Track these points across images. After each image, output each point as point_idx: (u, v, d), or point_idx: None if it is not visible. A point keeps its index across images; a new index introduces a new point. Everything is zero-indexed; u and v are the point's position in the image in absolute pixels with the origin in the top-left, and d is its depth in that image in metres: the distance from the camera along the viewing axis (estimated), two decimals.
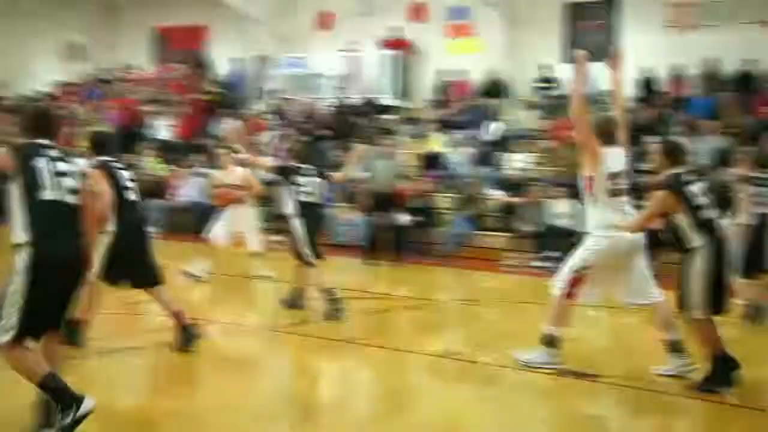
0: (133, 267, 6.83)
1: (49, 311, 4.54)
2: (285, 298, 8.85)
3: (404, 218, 13.24)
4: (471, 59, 17.62)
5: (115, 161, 6.94)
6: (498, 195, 14.11)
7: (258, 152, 11.27)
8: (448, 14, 18.14)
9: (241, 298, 10.07)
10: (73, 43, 23.69)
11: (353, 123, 17.15)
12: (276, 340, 7.86)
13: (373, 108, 17.75)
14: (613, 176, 6.28)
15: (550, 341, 6.44)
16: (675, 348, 6.33)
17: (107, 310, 7.20)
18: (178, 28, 21.92)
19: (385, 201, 13.05)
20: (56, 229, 4.51)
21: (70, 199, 4.61)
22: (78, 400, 4.43)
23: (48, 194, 4.51)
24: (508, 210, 13.62)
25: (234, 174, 10.68)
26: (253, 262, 10.84)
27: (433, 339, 8.07)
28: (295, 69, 19.40)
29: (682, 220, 5.95)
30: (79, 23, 23.16)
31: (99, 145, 6.96)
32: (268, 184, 11.63)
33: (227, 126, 16.83)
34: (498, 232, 13.52)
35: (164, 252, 9.18)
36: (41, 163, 4.54)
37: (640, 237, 6.34)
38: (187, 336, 6.88)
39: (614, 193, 6.28)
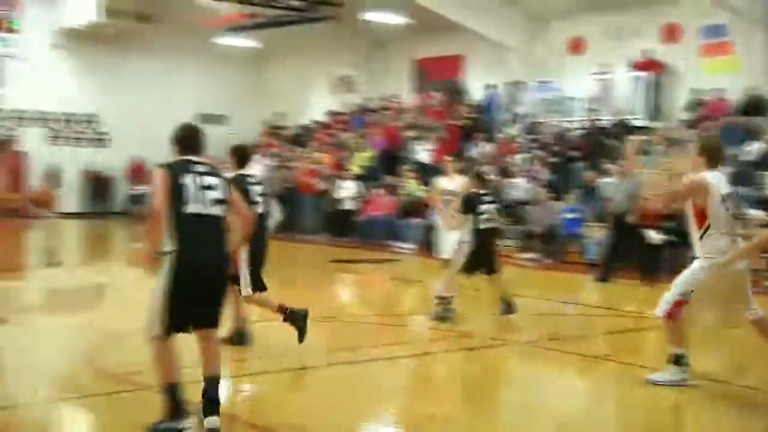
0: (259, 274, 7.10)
1: (189, 311, 4.75)
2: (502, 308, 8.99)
3: (656, 237, 12.65)
4: (728, 77, 16.55)
5: (250, 176, 7.14)
6: (758, 215, 13.12)
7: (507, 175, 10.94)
8: (703, 33, 17.16)
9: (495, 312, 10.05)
10: (344, 76, 25.08)
11: (605, 144, 16.69)
12: (533, 355, 7.78)
13: (625, 129, 17.17)
14: (724, 199, 6.01)
15: (676, 360, 6.25)
16: None
17: (367, 318, 7.48)
18: (436, 58, 22.49)
19: (630, 221, 12.53)
20: (198, 238, 4.73)
21: (215, 210, 4.82)
22: (181, 416, 4.66)
23: (192, 207, 4.73)
24: None
25: (454, 182, 10.41)
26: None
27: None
28: (546, 93, 19.23)
29: None
30: (349, 58, 24.48)
31: (240, 158, 7.16)
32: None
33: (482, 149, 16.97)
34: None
35: (420, 269, 9.44)
36: (188, 180, 4.76)
37: (746, 265, 6.06)
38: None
39: (726, 218, 6.01)
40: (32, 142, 24.46)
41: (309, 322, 6.96)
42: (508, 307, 9.01)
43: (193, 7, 21.56)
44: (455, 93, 21.20)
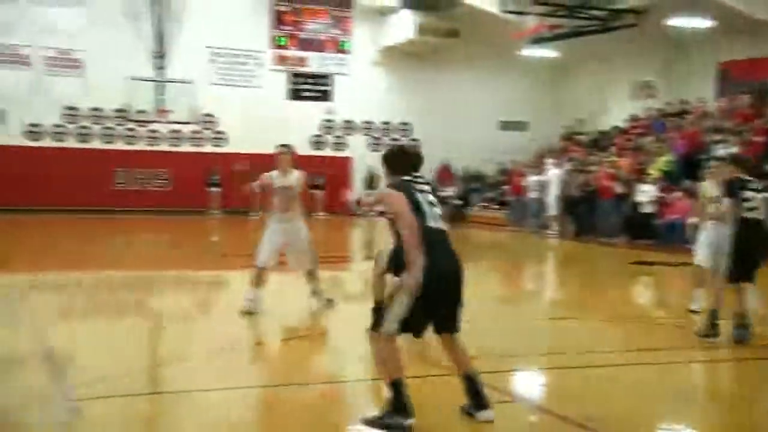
0: None
1: (431, 317, 4.74)
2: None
3: None
4: None
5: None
6: None
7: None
8: None
9: None
10: (644, 81, 24.02)
11: None
12: None
13: None
14: None
15: None
16: None
17: (664, 320, 7.07)
18: (743, 61, 20.76)
19: None
20: (441, 249, 4.73)
21: (442, 225, 4.83)
22: (406, 415, 4.55)
23: (430, 222, 4.75)
24: None
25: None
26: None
27: None
28: None
29: None
30: (649, 63, 23.40)
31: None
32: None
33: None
34: None
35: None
36: (419, 197, 4.78)
37: None
38: None
39: None
40: (357, 148, 26.44)
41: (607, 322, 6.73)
42: (742, 331, 7.24)
43: (498, 22, 21.89)
44: (765, 95, 19.42)
